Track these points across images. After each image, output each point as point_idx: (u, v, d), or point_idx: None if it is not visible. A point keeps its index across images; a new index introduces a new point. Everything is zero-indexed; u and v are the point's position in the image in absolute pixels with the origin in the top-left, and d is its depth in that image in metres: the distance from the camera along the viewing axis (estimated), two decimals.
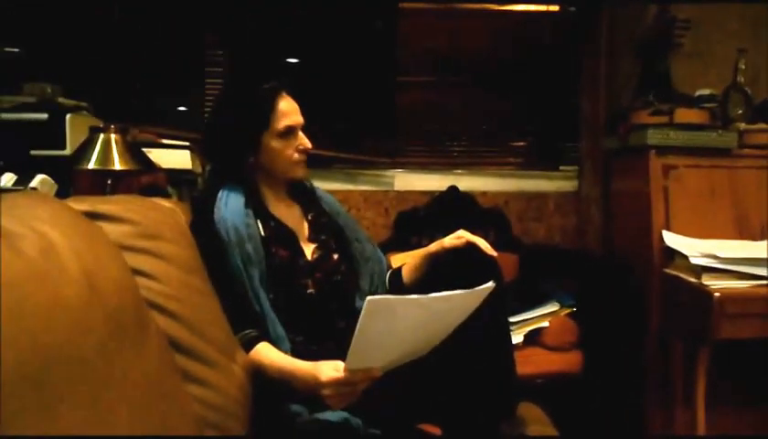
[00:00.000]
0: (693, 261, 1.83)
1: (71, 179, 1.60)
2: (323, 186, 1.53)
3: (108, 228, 0.90)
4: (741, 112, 2.24)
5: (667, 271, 1.99)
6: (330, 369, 1.06)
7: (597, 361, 2.11)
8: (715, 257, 1.80)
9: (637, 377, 2.13)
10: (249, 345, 1.17)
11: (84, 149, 1.52)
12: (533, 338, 2.09)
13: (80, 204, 0.92)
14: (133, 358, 0.67)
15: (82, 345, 0.58)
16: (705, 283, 1.79)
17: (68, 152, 1.63)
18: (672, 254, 1.98)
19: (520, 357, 1.90)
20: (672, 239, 1.98)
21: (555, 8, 2.72)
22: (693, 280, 1.84)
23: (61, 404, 0.55)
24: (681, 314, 1.94)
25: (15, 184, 1.39)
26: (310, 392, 1.09)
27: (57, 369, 0.55)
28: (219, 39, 2.60)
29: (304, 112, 1.34)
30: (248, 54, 2.60)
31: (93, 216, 0.91)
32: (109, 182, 1.55)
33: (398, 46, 2.67)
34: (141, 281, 0.89)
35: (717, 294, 1.72)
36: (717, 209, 2.07)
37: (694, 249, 1.87)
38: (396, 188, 2.65)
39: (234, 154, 1.31)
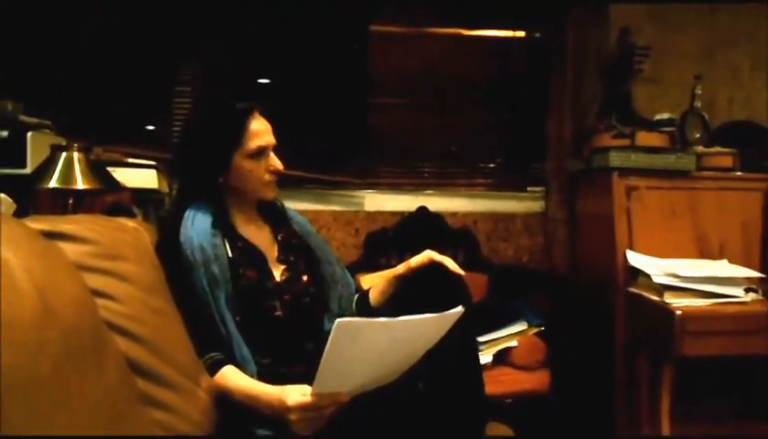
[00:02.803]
0: (655, 279, 1.87)
1: (32, 199, 1.56)
2: (293, 206, 1.52)
3: (67, 247, 0.88)
4: (698, 135, 2.32)
5: (631, 289, 2.04)
6: (297, 394, 1.04)
7: (565, 380, 2.13)
8: (676, 276, 1.85)
9: (605, 395, 2.15)
10: (214, 368, 1.15)
11: (45, 168, 1.49)
12: (502, 358, 2.11)
13: (39, 223, 0.90)
14: (90, 380, 0.65)
15: (36, 365, 0.56)
16: (667, 301, 1.83)
17: (28, 170, 1.59)
18: (636, 273, 2.03)
19: (489, 376, 1.91)
20: (635, 258, 2.03)
21: (521, 34, 2.80)
22: (656, 298, 1.88)
23: (12, 427, 0.52)
24: (645, 332, 1.98)
25: None
26: (276, 417, 1.07)
27: (8, 389, 0.53)
28: (190, 59, 2.59)
29: (275, 133, 1.34)
30: (219, 74, 2.59)
31: (52, 235, 0.88)
32: (71, 201, 1.51)
33: (369, 67, 2.70)
34: (101, 302, 0.87)
35: (678, 312, 1.76)
36: (677, 229, 2.14)
37: (656, 268, 1.92)
38: (366, 209, 2.66)
39: (204, 172, 1.30)
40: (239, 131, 1.27)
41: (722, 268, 1.97)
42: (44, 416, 0.56)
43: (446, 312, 1.02)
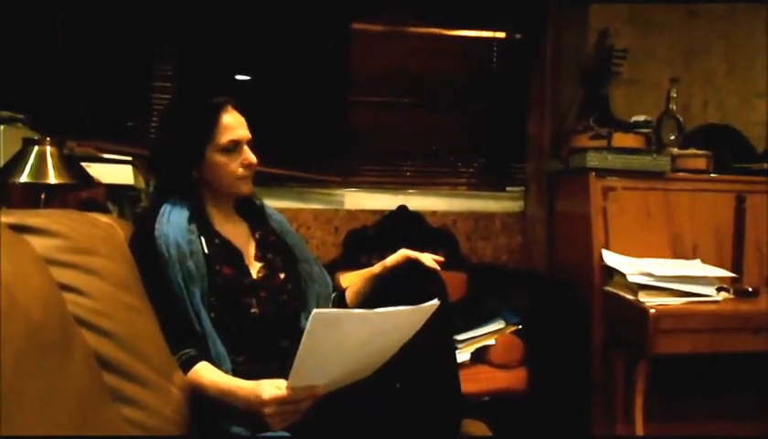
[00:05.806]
0: (630, 279, 1.90)
1: (3, 193, 1.52)
2: (273, 204, 1.51)
3: (35, 241, 0.86)
4: (673, 137, 2.37)
5: (607, 288, 2.06)
6: (272, 387, 1.03)
7: (543, 378, 2.15)
8: (651, 275, 1.88)
9: (582, 393, 2.18)
10: (187, 365, 1.14)
11: (16, 162, 1.45)
12: (480, 356, 2.11)
13: (6, 217, 0.88)
14: (56, 375, 0.64)
15: None
16: (641, 299, 1.86)
17: None
18: (611, 272, 2.05)
19: (467, 374, 1.92)
20: (611, 258, 2.06)
21: (502, 34, 2.82)
22: (630, 297, 1.91)
23: None
24: (620, 330, 2.00)
25: None
26: (251, 412, 1.06)
27: None
28: (169, 54, 2.56)
29: (254, 130, 1.33)
30: (198, 70, 2.56)
31: (20, 229, 0.87)
32: (43, 196, 1.48)
33: (350, 66, 2.70)
34: (70, 296, 0.85)
35: (652, 311, 1.79)
36: (652, 229, 2.17)
37: (631, 267, 1.95)
38: (346, 207, 2.65)
39: (178, 167, 1.28)
40: (210, 124, 1.26)
41: (695, 268, 2.00)
42: (5, 409, 0.55)
43: (422, 304, 1.02)
